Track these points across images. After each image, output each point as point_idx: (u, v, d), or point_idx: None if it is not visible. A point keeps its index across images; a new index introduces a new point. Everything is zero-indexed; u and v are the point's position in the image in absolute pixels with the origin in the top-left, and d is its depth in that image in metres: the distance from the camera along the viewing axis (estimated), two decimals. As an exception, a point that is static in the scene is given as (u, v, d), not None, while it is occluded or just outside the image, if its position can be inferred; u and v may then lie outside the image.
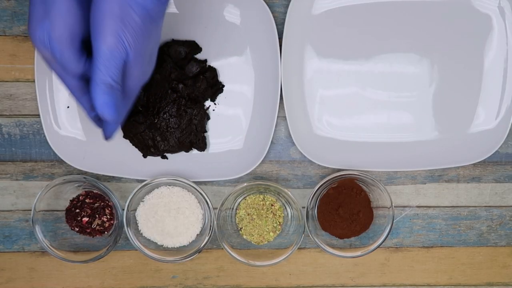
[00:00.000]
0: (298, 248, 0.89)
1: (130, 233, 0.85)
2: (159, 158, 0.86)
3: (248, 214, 0.87)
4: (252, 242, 0.88)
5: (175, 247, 0.87)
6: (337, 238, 0.87)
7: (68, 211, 0.87)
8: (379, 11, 0.84)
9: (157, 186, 0.86)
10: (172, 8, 0.83)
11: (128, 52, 0.64)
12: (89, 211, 0.86)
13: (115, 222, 0.87)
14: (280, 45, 0.83)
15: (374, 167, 0.86)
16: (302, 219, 0.84)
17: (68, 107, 0.85)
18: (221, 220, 0.85)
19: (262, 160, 0.85)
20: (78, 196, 0.87)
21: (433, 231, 0.90)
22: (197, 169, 0.86)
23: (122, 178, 0.87)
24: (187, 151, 0.86)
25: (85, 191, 0.87)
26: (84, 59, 0.66)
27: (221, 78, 0.86)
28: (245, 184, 0.85)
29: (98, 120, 0.73)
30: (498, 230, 0.90)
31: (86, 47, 0.67)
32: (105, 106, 0.65)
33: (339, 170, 0.87)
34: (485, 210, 0.90)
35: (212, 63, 0.85)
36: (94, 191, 0.87)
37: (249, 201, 0.87)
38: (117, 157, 0.85)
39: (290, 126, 0.84)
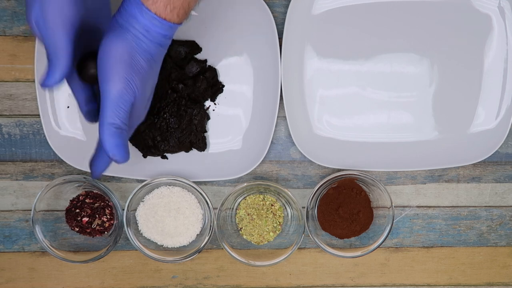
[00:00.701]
0: (298, 248, 0.89)
1: (130, 233, 0.85)
2: (159, 158, 0.86)
3: (248, 214, 0.87)
4: (252, 242, 0.88)
5: (175, 247, 0.87)
6: (337, 238, 0.87)
7: (68, 211, 0.87)
8: (379, 11, 0.84)
9: (157, 186, 0.86)
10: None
11: (136, 95, 0.66)
12: (89, 211, 0.86)
13: (115, 222, 0.87)
14: (280, 45, 0.83)
15: (374, 167, 0.86)
16: (302, 219, 0.84)
17: (68, 107, 0.85)
18: (221, 220, 0.85)
19: (262, 160, 0.85)
20: (78, 196, 0.87)
21: (433, 231, 0.90)
22: (197, 169, 0.86)
23: (122, 178, 0.87)
24: (187, 151, 0.86)
25: (85, 191, 0.87)
26: (73, 48, 0.64)
27: (221, 78, 0.86)
28: (245, 184, 0.85)
29: (93, 116, 0.73)
30: (498, 230, 0.90)
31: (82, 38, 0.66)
32: (116, 148, 0.66)
33: (339, 170, 0.87)
34: (485, 210, 0.90)
35: (212, 63, 0.85)
36: (94, 191, 0.87)
37: (249, 201, 0.87)
38: (117, 157, 0.85)
39: (290, 126, 0.84)
